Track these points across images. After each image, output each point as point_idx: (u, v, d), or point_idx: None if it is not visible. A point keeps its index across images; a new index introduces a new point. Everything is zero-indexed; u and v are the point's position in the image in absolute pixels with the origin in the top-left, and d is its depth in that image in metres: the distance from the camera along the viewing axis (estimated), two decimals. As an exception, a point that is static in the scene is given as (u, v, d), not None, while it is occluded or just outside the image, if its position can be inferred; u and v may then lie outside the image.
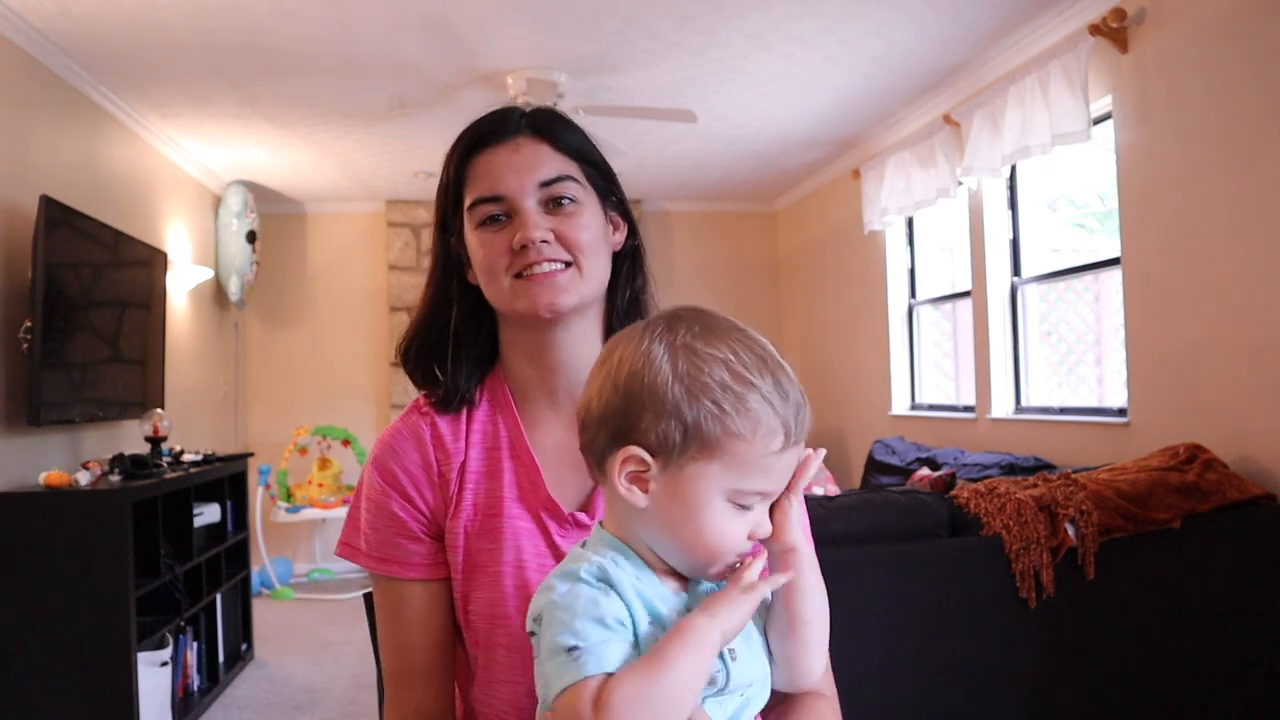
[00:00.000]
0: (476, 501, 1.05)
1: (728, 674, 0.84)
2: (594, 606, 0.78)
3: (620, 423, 0.83)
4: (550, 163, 1.04)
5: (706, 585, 0.88)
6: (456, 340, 1.08)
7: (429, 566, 1.06)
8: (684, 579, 0.87)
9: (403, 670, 1.06)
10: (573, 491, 1.04)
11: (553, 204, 1.03)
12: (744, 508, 0.84)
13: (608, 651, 0.77)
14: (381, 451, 1.07)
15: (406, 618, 1.06)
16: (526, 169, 1.03)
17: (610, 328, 1.09)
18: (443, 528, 1.05)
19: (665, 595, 0.84)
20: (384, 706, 1.10)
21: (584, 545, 0.88)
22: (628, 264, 1.11)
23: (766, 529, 0.86)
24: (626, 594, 0.80)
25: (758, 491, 0.84)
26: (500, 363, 1.11)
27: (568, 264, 1.02)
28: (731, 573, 0.84)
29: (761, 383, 0.82)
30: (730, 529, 0.83)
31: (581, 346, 1.06)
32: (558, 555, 1.01)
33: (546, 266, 1.01)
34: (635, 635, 0.79)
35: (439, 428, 1.07)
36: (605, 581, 0.80)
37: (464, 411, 1.08)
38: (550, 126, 1.06)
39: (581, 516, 1.04)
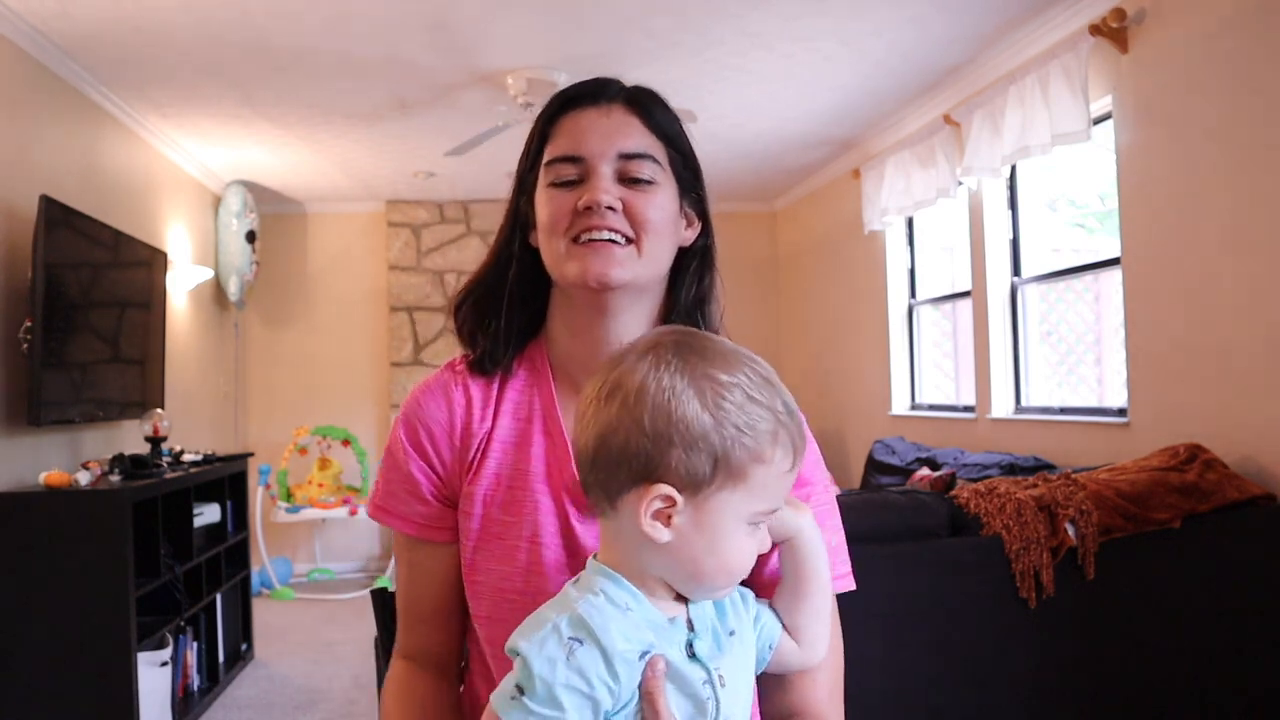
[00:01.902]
0: (500, 471, 1.02)
1: (717, 702, 0.84)
2: (550, 668, 0.77)
3: (645, 461, 0.81)
4: (637, 136, 1.01)
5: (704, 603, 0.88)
6: (509, 298, 1.05)
7: (423, 527, 1.05)
8: (683, 599, 0.87)
9: (411, 612, 1.09)
10: None
11: (629, 180, 1.00)
12: (755, 527, 0.85)
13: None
14: (409, 408, 1.06)
15: (415, 567, 1.08)
16: (612, 135, 1.00)
17: (666, 323, 1.05)
18: (457, 492, 1.04)
19: (658, 623, 0.83)
20: (394, 638, 1.13)
21: (575, 582, 0.86)
22: (696, 262, 1.08)
23: (766, 544, 0.87)
24: (606, 639, 0.79)
25: (770, 510, 0.85)
26: (544, 333, 1.08)
27: (629, 240, 0.98)
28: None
29: (774, 404, 0.83)
30: (749, 550, 0.85)
31: (628, 332, 1.00)
32: (571, 539, 0.99)
33: (606, 234, 0.97)
34: (612, 681, 0.78)
35: (470, 390, 1.05)
36: (578, 637, 0.79)
37: (497, 378, 1.06)
38: (646, 103, 1.05)
39: (587, 516, 1.01)
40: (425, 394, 1.06)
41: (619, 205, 0.98)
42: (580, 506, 0.99)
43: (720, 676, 0.84)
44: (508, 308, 1.05)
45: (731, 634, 0.88)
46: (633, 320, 1.02)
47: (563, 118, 1.03)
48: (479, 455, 1.03)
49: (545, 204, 1.01)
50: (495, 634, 1.00)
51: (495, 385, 1.05)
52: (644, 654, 0.80)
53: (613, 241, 0.97)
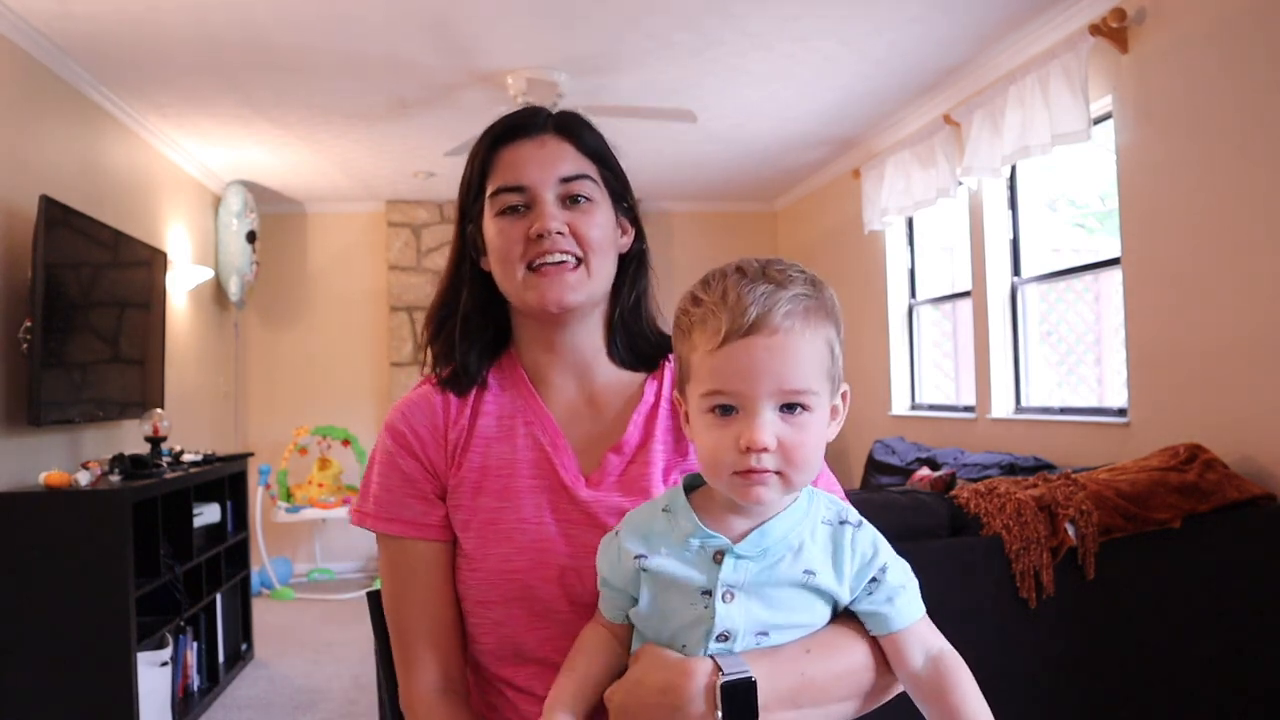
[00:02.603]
0: (487, 463, 1.08)
1: (713, 613, 0.88)
2: (599, 554, 0.96)
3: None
4: (572, 160, 1.10)
5: (736, 548, 0.89)
6: (465, 323, 1.13)
7: (434, 527, 1.08)
8: (746, 523, 0.90)
9: (419, 639, 1.07)
10: (579, 465, 1.08)
11: (570, 200, 1.09)
12: (721, 415, 0.87)
13: (602, 600, 0.97)
14: (393, 417, 1.12)
15: (420, 582, 1.08)
16: (549, 163, 1.09)
17: (612, 324, 1.15)
18: (445, 488, 1.09)
19: (682, 528, 0.90)
20: (400, 689, 1.09)
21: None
22: (634, 266, 1.17)
23: (749, 438, 0.85)
24: (626, 535, 0.93)
25: (716, 390, 0.86)
26: (513, 346, 1.16)
27: (578, 260, 1.07)
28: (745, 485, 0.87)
29: (706, 294, 0.88)
30: (713, 439, 0.87)
31: (586, 338, 1.13)
32: (568, 513, 1.05)
33: (558, 257, 1.06)
34: (616, 562, 0.93)
35: (449, 397, 1.12)
36: (616, 529, 0.95)
37: (473, 392, 1.12)
38: (574, 127, 1.13)
39: (583, 493, 1.06)
40: (407, 406, 1.12)
41: (566, 229, 1.07)
42: (559, 490, 1.07)
43: (729, 593, 0.87)
44: (465, 334, 1.13)
45: (810, 574, 0.89)
46: (587, 328, 1.13)
47: (501, 150, 1.11)
48: (461, 451, 1.09)
49: (496, 234, 1.09)
50: (506, 615, 1.04)
51: (471, 396, 1.12)
52: (637, 555, 0.91)
53: (564, 263, 1.06)
